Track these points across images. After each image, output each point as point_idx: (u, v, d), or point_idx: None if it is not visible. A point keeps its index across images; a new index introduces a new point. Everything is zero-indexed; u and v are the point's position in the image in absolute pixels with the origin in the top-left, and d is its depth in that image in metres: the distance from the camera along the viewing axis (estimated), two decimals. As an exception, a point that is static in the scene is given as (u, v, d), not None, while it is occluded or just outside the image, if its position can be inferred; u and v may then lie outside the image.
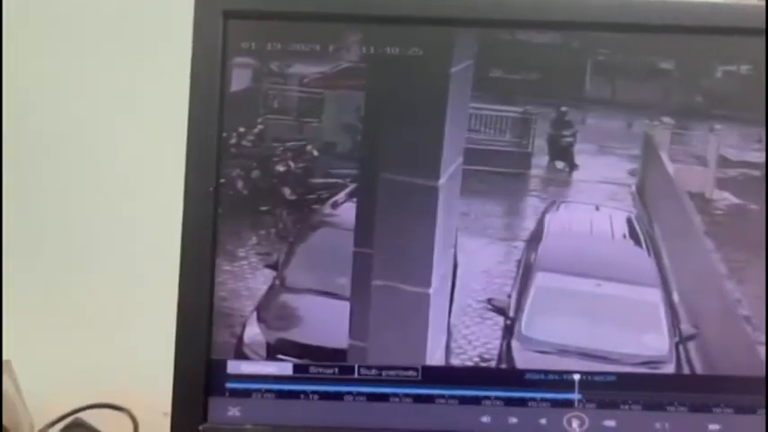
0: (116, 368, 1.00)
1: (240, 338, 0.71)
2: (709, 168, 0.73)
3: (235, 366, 0.71)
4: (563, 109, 0.72)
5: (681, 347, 0.72)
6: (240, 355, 0.72)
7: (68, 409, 0.93)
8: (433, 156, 0.72)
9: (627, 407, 0.71)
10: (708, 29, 0.73)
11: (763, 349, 0.71)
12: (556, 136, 0.73)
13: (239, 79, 0.72)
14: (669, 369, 0.71)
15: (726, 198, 0.73)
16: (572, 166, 0.72)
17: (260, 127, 0.73)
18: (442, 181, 0.72)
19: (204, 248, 0.71)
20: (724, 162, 0.73)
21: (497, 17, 0.73)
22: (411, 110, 0.72)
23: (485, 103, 0.73)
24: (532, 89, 0.73)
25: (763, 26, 0.71)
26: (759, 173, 0.73)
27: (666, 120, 0.73)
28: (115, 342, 1.02)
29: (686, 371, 0.72)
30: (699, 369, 0.72)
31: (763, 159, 0.72)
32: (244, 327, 0.72)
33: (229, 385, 0.71)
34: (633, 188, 0.74)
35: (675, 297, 0.72)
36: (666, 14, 0.72)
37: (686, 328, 0.72)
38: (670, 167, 0.74)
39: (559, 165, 0.72)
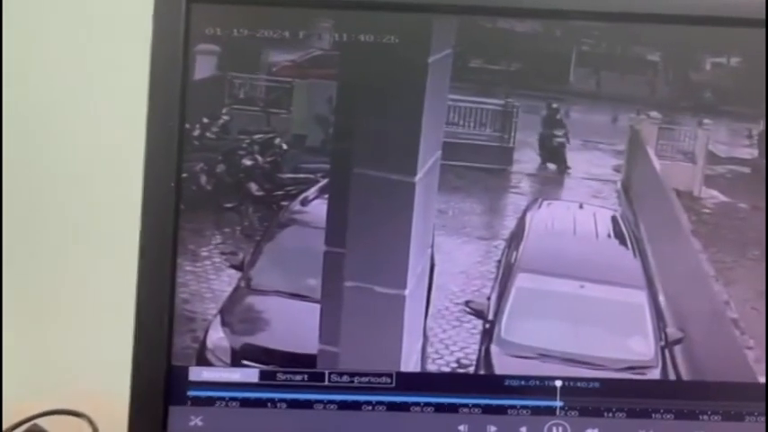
0: (76, 372, 0.95)
1: (203, 343, 0.68)
2: (697, 165, 0.71)
3: (197, 373, 0.68)
4: (554, 106, 0.69)
5: (667, 352, 0.70)
6: (203, 362, 0.68)
7: (24, 416, 0.89)
8: (409, 150, 0.69)
9: (610, 414, 0.68)
10: (697, 19, 0.70)
11: (751, 354, 0.69)
12: (547, 136, 0.70)
13: (203, 67, 0.69)
14: (654, 374, 0.69)
15: (714, 196, 0.70)
16: (564, 169, 0.69)
17: (225, 118, 0.70)
18: (418, 176, 0.69)
19: (164, 247, 0.68)
20: (713, 158, 0.71)
21: (478, 4, 0.70)
22: (386, 101, 0.69)
23: (464, 95, 0.70)
24: (514, 80, 0.70)
25: (760, 17, 0.68)
26: (749, 170, 0.70)
27: (653, 114, 0.71)
28: (75, 345, 0.97)
29: (672, 376, 0.70)
30: (685, 374, 0.69)
31: (753, 156, 0.70)
32: (207, 331, 0.68)
33: (191, 393, 0.68)
34: (618, 185, 0.71)
35: (661, 299, 0.70)
36: (653, 3, 0.69)
37: (672, 331, 0.70)
38: (657, 164, 0.71)
39: (551, 167, 0.69)
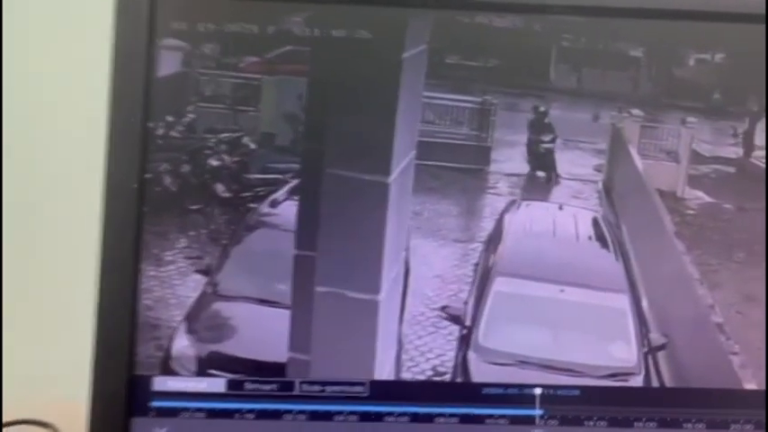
0: (42, 382, 0.92)
1: (167, 352, 0.66)
2: (680, 164, 0.69)
3: (161, 383, 0.66)
4: (542, 109, 0.67)
5: (650, 358, 0.68)
6: (167, 371, 0.66)
7: (-13, 426, 0.86)
8: (382, 149, 0.67)
9: (592, 423, 0.66)
10: (680, 13, 0.68)
11: (736, 359, 0.67)
12: (534, 141, 0.67)
13: (168, 63, 0.67)
14: (637, 381, 0.67)
15: (698, 197, 0.69)
16: (554, 177, 0.67)
17: (191, 116, 0.67)
18: (392, 177, 0.67)
19: (127, 252, 0.65)
20: (696, 158, 0.69)
21: (453, -3, 0.67)
22: (359, 98, 0.67)
23: (440, 92, 0.68)
24: (492, 77, 0.68)
25: (745, 11, 0.66)
26: (734, 169, 0.69)
27: (636, 111, 0.69)
28: (40, 353, 0.94)
29: (655, 383, 0.68)
30: (669, 381, 0.68)
31: (738, 155, 0.69)
32: (171, 339, 0.66)
33: (155, 404, 0.65)
34: (600, 186, 0.70)
35: (644, 303, 0.69)
36: (635, -3, 0.67)
37: (655, 337, 0.68)
38: (639, 163, 0.70)
39: (540, 175, 0.67)
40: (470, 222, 0.69)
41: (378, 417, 0.66)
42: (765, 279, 0.67)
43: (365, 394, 0.66)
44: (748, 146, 0.69)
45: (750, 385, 0.67)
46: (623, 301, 0.68)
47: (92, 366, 0.64)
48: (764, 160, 0.68)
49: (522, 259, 0.69)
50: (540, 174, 0.69)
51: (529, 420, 0.66)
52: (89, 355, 0.65)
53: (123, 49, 0.65)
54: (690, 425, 0.66)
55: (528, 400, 0.66)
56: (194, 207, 0.67)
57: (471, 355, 0.67)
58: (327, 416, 0.66)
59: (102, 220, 0.65)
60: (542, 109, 0.68)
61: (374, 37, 0.66)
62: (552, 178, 0.68)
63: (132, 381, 0.65)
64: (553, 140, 0.68)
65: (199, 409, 0.65)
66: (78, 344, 0.69)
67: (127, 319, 0.65)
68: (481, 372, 0.67)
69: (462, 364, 0.67)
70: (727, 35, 0.68)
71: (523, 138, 0.68)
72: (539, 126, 0.68)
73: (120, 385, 0.64)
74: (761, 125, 0.69)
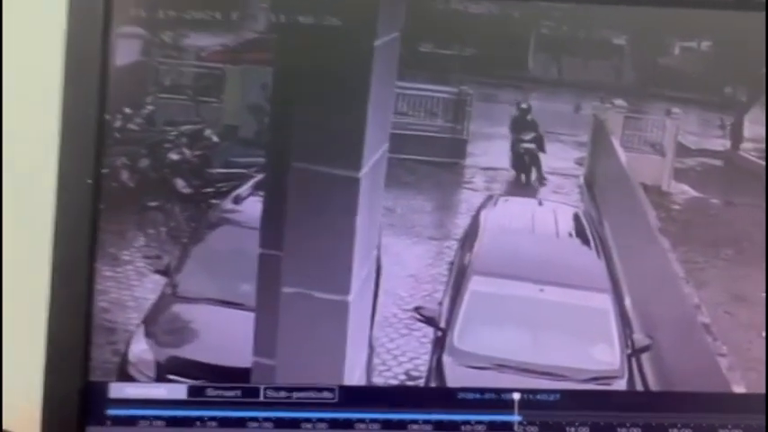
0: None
1: (124, 357, 0.64)
2: (665, 157, 0.68)
3: (118, 390, 0.63)
4: (524, 106, 0.65)
5: (633, 360, 0.66)
6: (124, 377, 0.64)
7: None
8: (353, 142, 0.64)
9: (573, 429, 0.64)
10: (664, 0, 0.65)
11: (723, 361, 0.65)
12: (517, 141, 0.65)
13: (125, 52, 0.64)
14: (620, 385, 0.66)
15: (684, 191, 0.67)
16: (539, 178, 0.65)
17: (149, 108, 0.65)
18: (363, 171, 0.64)
19: (81, 251, 0.63)
20: (682, 150, 0.67)
21: (427, -18, 0.65)
22: (328, 88, 0.64)
23: (413, 82, 0.67)
24: (468, 66, 0.67)
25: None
26: (721, 162, 0.67)
27: (619, 102, 0.68)
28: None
29: (639, 387, 0.66)
30: (653, 384, 0.66)
31: (725, 147, 0.67)
32: (129, 343, 0.64)
33: (111, 412, 0.63)
34: (581, 180, 0.69)
35: (627, 303, 0.67)
36: (618, -18, 0.65)
37: (639, 338, 0.67)
38: (622, 156, 0.69)
39: (523, 178, 0.65)
40: (445, 219, 0.67)
41: (348, 424, 0.63)
42: (765, 278, 0.65)
43: (334, 400, 0.64)
44: (736, 138, 0.67)
45: (739, 388, 0.65)
46: (605, 301, 0.66)
47: (44, 373, 0.61)
48: (753, 153, 0.66)
49: (500, 257, 0.67)
50: (523, 177, 0.66)
51: (507, 426, 0.64)
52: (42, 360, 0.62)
53: (77, 36, 0.62)
54: (675, 430, 0.64)
55: (506, 406, 0.64)
56: (153, 204, 0.65)
57: (446, 359, 0.65)
58: (294, 423, 0.63)
59: (55, 218, 0.62)
60: (524, 105, 0.65)
61: (344, 24, 0.64)
62: (537, 179, 0.65)
63: (87, 387, 0.62)
64: (536, 139, 0.65)
65: (158, 417, 0.63)
66: (32, 347, 0.66)
67: (81, 323, 0.62)
68: (457, 376, 0.65)
69: (437, 368, 0.65)
70: (714, 22, 0.66)
71: (500, 130, 0.66)
72: (521, 123, 0.65)
73: (73, 392, 0.62)
74: (749, 116, 0.67)
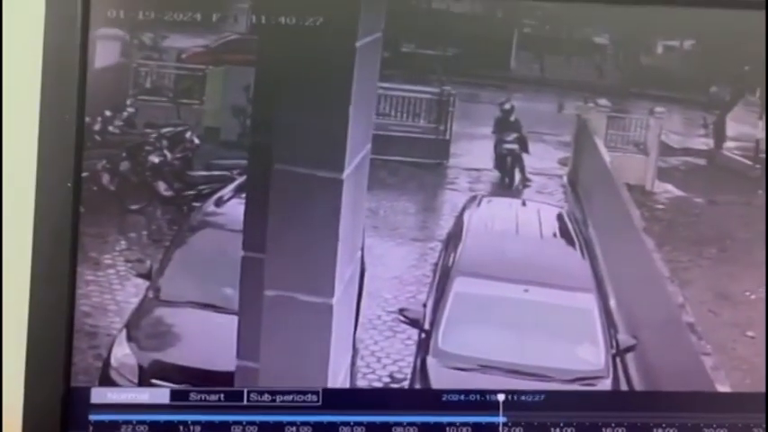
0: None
1: (106, 361, 0.63)
2: (649, 157, 0.67)
3: (100, 395, 0.62)
4: (506, 107, 0.64)
5: (618, 360, 0.66)
6: (107, 381, 0.63)
7: None
8: (335, 144, 0.63)
9: (558, 430, 0.63)
10: (647, -2, 0.66)
11: (708, 360, 0.65)
12: (499, 142, 0.65)
13: (105, 54, 0.63)
14: (605, 385, 0.65)
15: (668, 190, 0.67)
16: (524, 181, 0.64)
17: (130, 110, 0.65)
18: (346, 173, 0.64)
19: (62, 255, 0.62)
20: (666, 149, 0.67)
21: (409, -18, 0.64)
22: (310, 90, 0.63)
23: (396, 83, 0.67)
24: (450, 66, 0.66)
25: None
26: (704, 161, 0.66)
27: (602, 101, 0.67)
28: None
29: (624, 387, 0.66)
30: (638, 384, 0.66)
31: (708, 146, 0.67)
32: (111, 347, 0.64)
33: (93, 417, 0.62)
34: (564, 180, 0.68)
35: (612, 303, 0.67)
36: (601, -19, 0.65)
37: (624, 338, 0.66)
38: (606, 156, 0.68)
39: (506, 180, 0.65)
40: (429, 220, 0.67)
41: (332, 427, 0.63)
42: (766, 276, 0.65)
43: (318, 403, 0.63)
44: (719, 137, 0.67)
45: (723, 387, 0.65)
46: (590, 301, 0.66)
47: (25, 378, 0.60)
48: (736, 152, 0.66)
49: (484, 258, 0.67)
50: (506, 180, 0.66)
51: (492, 428, 0.63)
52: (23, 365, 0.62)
53: (55, 39, 0.61)
54: (660, 430, 0.64)
55: (491, 407, 0.63)
56: (134, 207, 0.65)
57: (430, 361, 0.65)
58: (278, 427, 0.62)
59: (35, 222, 0.61)
60: (507, 106, 0.65)
61: (326, 24, 0.63)
62: (521, 181, 0.65)
63: (68, 393, 0.61)
64: (518, 140, 0.65)
65: (141, 422, 0.62)
66: (13, 353, 0.66)
67: (62, 327, 0.61)
68: (441, 377, 0.65)
69: (421, 370, 0.65)
70: (696, 21, 0.66)
71: (483, 130, 0.66)
72: (504, 124, 0.65)
73: (55, 397, 0.61)
74: (731, 115, 0.66)
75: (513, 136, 0.65)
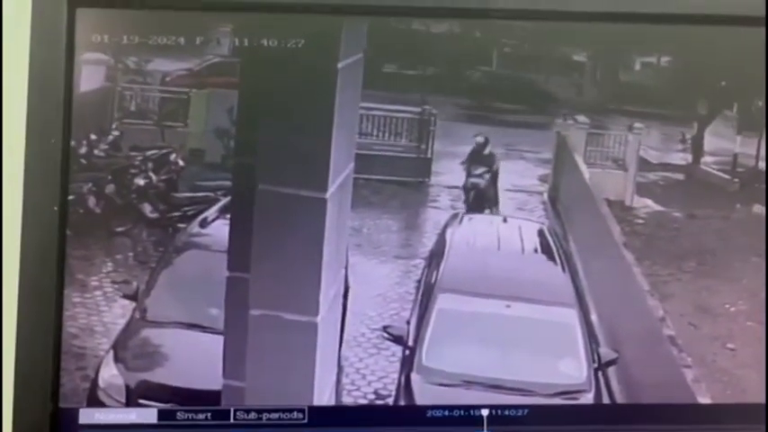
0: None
1: (94, 382, 0.63)
2: (628, 172, 0.67)
3: (88, 415, 0.62)
4: (479, 139, 0.64)
5: (600, 374, 0.66)
6: (95, 402, 0.63)
7: None
8: (318, 163, 0.64)
9: (541, 443, 0.64)
10: (624, 16, 0.65)
11: (689, 373, 0.66)
12: (468, 175, 0.65)
13: (90, 78, 0.64)
14: (588, 399, 0.65)
15: (647, 205, 0.67)
16: (495, 208, 0.64)
17: (115, 133, 0.65)
18: (329, 192, 0.64)
19: (49, 277, 0.62)
20: (644, 165, 0.67)
21: (389, 3, 0.64)
22: (293, 111, 0.63)
23: (377, 102, 0.66)
24: (431, 86, 0.66)
25: (692, 12, 0.64)
26: (682, 176, 0.66)
27: (581, 118, 0.67)
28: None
29: (606, 400, 0.66)
30: (620, 398, 0.66)
31: (687, 161, 0.67)
32: (98, 368, 0.63)
33: None
34: (545, 196, 0.68)
35: (593, 317, 0.67)
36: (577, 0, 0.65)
37: (606, 351, 0.66)
38: (586, 172, 0.68)
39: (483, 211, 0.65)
40: (412, 238, 0.67)
41: (318, 444, 0.64)
42: (765, 281, 0.65)
43: (304, 421, 0.63)
44: (697, 151, 0.67)
45: (704, 399, 0.65)
46: (571, 316, 0.66)
47: (13, 399, 0.61)
48: (714, 166, 0.66)
49: (466, 275, 0.67)
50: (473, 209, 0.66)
51: (476, 443, 0.64)
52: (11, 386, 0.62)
53: (40, 63, 0.61)
54: (643, 442, 0.65)
55: (475, 422, 0.64)
56: (120, 229, 0.64)
57: (414, 377, 0.65)
58: (265, 444, 0.63)
59: (22, 244, 0.61)
60: (480, 139, 0.65)
61: (308, 46, 0.63)
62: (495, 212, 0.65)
63: (56, 413, 0.61)
64: (490, 172, 0.65)
65: (129, 442, 0.63)
66: (2, 372, 0.66)
67: (50, 348, 0.61)
68: (425, 393, 0.64)
69: (405, 386, 0.65)
70: (674, 37, 0.66)
71: (465, 149, 0.66)
72: (477, 158, 0.65)
73: (43, 418, 0.61)
74: (710, 130, 0.67)
75: (480, 170, 0.66)
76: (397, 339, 0.65)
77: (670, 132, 0.67)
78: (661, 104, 0.67)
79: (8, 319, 0.61)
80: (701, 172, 0.67)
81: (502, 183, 0.66)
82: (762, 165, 0.65)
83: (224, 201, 0.64)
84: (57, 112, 0.62)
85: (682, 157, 0.67)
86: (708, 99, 0.66)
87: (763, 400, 0.64)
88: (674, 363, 0.65)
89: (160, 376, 0.63)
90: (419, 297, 0.66)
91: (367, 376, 0.65)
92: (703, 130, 0.67)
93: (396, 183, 0.67)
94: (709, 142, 0.67)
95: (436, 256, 0.67)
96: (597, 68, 0.66)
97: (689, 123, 0.67)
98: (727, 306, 0.66)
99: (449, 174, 0.66)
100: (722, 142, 0.66)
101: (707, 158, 0.67)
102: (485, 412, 0.64)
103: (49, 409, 0.61)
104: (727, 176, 0.66)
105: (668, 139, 0.67)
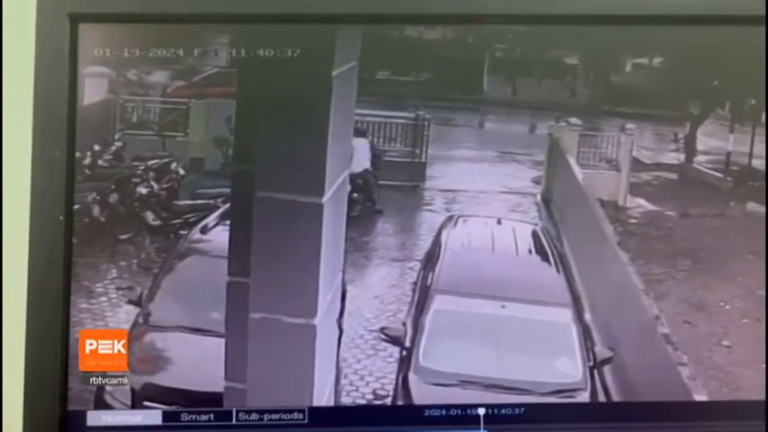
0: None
1: (101, 386, 0.64)
2: (621, 173, 0.68)
3: (95, 417, 0.64)
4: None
5: (596, 373, 0.66)
6: (101, 405, 0.64)
7: None
8: (315, 169, 0.65)
9: (538, 442, 0.64)
10: (615, 18, 0.66)
11: (684, 370, 0.66)
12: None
13: (92, 91, 0.65)
14: (583, 397, 0.66)
15: (640, 205, 0.67)
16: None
17: (117, 144, 0.66)
18: (326, 197, 0.65)
19: (56, 284, 0.63)
20: (637, 165, 0.67)
21: (382, 11, 0.65)
22: (289, 118, 0.65)
23: (372, 109, 0.67)
24: (424, 91, 0.66)
25: (681, 13, 0.64)
26: (675, 176, 0.67)
27: (573, 120, 0.67)
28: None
29: (602, 398, 0.66)
30: (616, 396, 0.66)
31: (680, 161, 0.67)
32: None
33: None
34: (538, 198, 0.68)
35: (588, 317, 0.67)
36: (569, 3, 0.65)
37: (601, 350, 0.67)
38: (578, 173, 0.69)
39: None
40: (407, 240, 0.67)
41: (318, 444, 0.65)
42: (765, 281, 0.65)
43: (304, 421, 0.64)
44: (690, 151, 0.67)
45: (700, 396, 0.65)
46: (566, 315, 0.66)
47: (23, 403, 0.62)
48: (706, 165, 0.67)
49: (462, 276, 0.67)
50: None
51: (474, 441, 0.65)
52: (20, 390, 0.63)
53: (45, 78, 0.63)
54: (638, 439, 0.65)
55: (472, 421, 0.64)
56: (124, 237, 0.66)
57: (412, 377, 0.66)
58: (267, 445, 0.64)
59: (30, 253, 0.63)
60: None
61: (303, 55, 0.64)
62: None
63: (65, 416, 0.63)
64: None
65: (135, 443, 0.64)
66: (11, 379, 0.68)
67: (58, 354, 0.63)
68: (422, 393, 0.65)
69: (403, 387, 0.66)
70: (665, 38, 0.66)
71: (459, 152, 0.67)
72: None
73: (52, 421, 0.63)
74: (702, 129, 0.67)
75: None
76: (395, 340, 0.66)
77: (662, 132, 0.67)
78: (653, 105, 0.67)
79: (17, 325, 0.63)
80: (693, 171, 0.67)
81: (494, 185, 0.66)
82: (755, 162, 0.65)
83: (224, 207, 0.65)
84: (61, 125, 0.64)
85: (674, 157, 0.67)
86: (700, 99, 0.67)
87: (760, 397, 0.64)
88: (670, 360, 0.65)
89: (164, 379, 0.64)
90: (415, 299, 0.67)
91: (365, 377, 0.66)
92: (696, 129, 0.67)
93: (391, 187, 0.67)
94: (702, 141, 0.67)
95: (432, 258, 0.67)
96: (589, 71, 0.67)
97: (681, 123, 0.67)
98: (722, 304, 0.66)
99: (443, 177, 0.67)
100: (715, 141, 0.67)
101: (700, 157, 0.67)
102: (481, 411, 0.64)
103: (58, 412, 0.63)
104: (720, 175, 0.67)
105: (661, 139, 0.67)
